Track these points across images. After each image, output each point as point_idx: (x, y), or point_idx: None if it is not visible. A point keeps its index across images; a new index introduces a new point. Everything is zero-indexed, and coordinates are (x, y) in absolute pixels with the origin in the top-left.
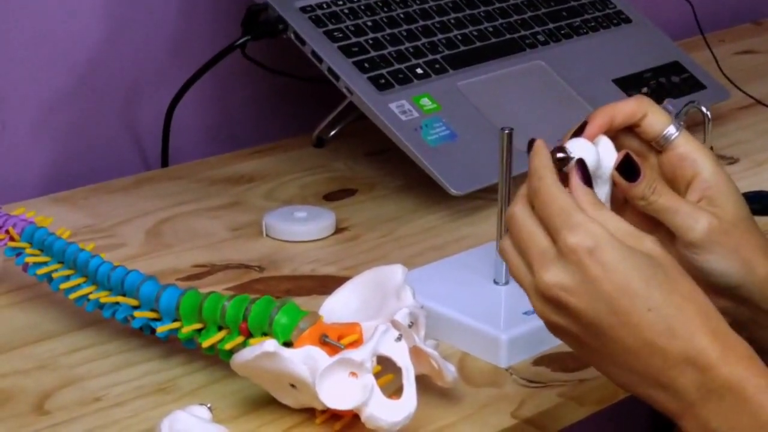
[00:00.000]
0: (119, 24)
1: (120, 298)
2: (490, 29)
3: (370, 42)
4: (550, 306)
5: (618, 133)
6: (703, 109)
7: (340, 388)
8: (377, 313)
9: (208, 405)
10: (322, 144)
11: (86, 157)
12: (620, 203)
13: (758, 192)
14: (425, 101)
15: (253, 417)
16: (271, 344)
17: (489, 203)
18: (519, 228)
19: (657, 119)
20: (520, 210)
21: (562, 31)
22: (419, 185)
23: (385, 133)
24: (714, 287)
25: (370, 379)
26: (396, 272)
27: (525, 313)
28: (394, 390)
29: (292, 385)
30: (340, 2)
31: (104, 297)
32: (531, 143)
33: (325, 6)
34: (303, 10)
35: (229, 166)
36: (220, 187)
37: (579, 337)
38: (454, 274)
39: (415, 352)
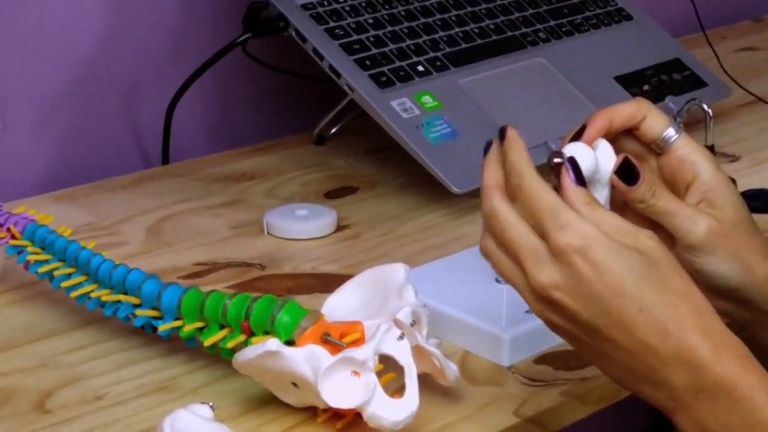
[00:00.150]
0: (120, 22)
1: (121, 297)
2: (492, 26)
3: (372, 39)
4: (546, 305)
5: (617, 136)
6: (705, 106)
7: (343, 386)
8: (379, 311)
9: (210, 404)
10: (323, 142)
11: (87, 155)
12: (620, 206)
13: (759, 190)
14: (426, 99)
15: (255, 416)
16: (273, 343)
17: None
18: (503, 226)
19: (656, 122)
20: (500, 206)
21: (564, 29)
22: (420, 183)
23: (386, 130)
24: (714, 289)
25: (373, 377)
26: (398, 271)
27: (527, 311)
28: (395, 389)
29: (294, 384)
30: None
31: (105, 295)
32: (502, 131)
33: (326, 3)
34: (304, 7)
35: (230, 164)
36: (221, 185)
37: (575, 335)
38: (455, 272)
39: (417, 351)
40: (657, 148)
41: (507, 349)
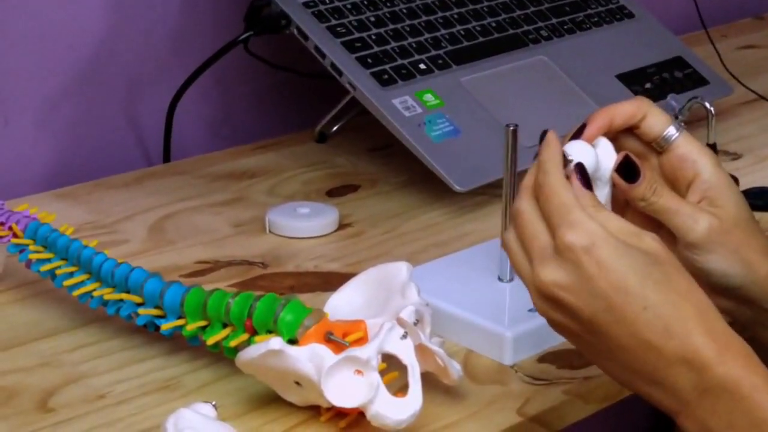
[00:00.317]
0: (121, 20)
1: (124, 295)
2: (493, 24)
3: (373, 37)
4: (549, 303)
5: (618, 135)
6: (707, 104)
7: (346, 385)
8: (382, 310)
9: (213, 402)
10: (325, 140)
11: (88, 153)
12: (621, 205)
13: (761, 188)
14: (428, 97)
15: (258, 414)
16: (276, 342)
17: (493, 199)
18: (524, 224)
19: (657, 120)
20: (526, 205)
21: (565, 27)
22: (422, 181)
23: (388, 128)
24: (715, 288)
25: (376, 376)
26: (401, 269)
27: (530, 310)
28: (398, 388)
29: (297, 383)
30: None
31: (108, 294)
32: (544, 134)
33: (327, 1)
34: (306, 5)
35: (232, 162)
36: (223, 182)
37: (578, 334)
38: (458, 271)
39: (421, 350)
40: (658, 147)
41: (510, 348)
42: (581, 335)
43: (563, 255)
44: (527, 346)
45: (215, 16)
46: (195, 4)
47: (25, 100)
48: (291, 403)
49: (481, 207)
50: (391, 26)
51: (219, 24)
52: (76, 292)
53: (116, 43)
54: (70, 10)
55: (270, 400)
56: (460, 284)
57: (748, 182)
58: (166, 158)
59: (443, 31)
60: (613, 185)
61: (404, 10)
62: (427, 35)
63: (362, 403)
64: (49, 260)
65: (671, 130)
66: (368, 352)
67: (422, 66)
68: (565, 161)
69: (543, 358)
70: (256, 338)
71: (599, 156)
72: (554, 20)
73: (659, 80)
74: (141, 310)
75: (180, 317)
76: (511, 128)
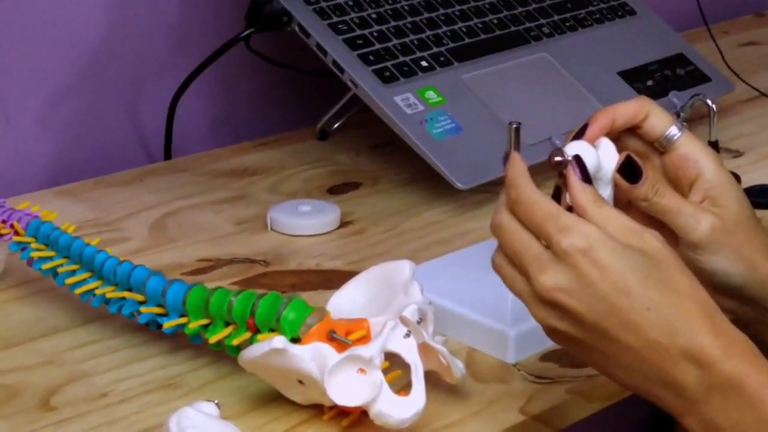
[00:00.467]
0: (122, 17)
1: (126, 294)
2: (495, 21)
3: (375, 34)
4: (550, 310)
5: (620, 135)
6: (709, 101)
7: (349, 384)
8: (385, 309)
9: (216, 401)
10: (326, 137)
11: (90, 150)
12: (623, 205)
13: (763, 186)
14: (430, 94)
15: (261, 413)
16: (279, 341)
17: (494, 197)
18: (509, 237)
19: (659, 120)
20: (505, 219)
21: (567, 24)
22: (424, 179)
23: (389, 126)
24: (718, 287)
25: (379, 375)
26: (404, 268)
27: None
28: (402, 386)
29: (300, 382)
30: None
31: (110, 292)
32: (505, 157)
33: None
34: (307, 2)
35: (233, 159)
36: (224, 180)
37: (580, 340)
38: (460, 269)
39: (424, 349)
40: (660, 147)
41: (512, 346)
42: (583, 341)
43: (562, 260)
44: (530, 345)
45: (216, 14)
46: (196, 2)
47: (27, 98)
48: (294, 401)
49: (483, 205)
50: (393, 23)
51: (220, 21)
52: (78, 291)
53: (118, 40)
54: (71, 8)
55: (272, 399)
56: (463, 282)
57: (749, 180)
58: (168, 156)
59: (445, 28)
60: (615, 186)
61: (406, 7)
62: (428, 32)
63: (365, 402)
64: (50, 258)
65: (673, 130)
66: (371, 350)
67: (424, 63)
68: (565, 161)
69: (546, 357)
70: (259, 337)
71: (601, 156)
72: (556, 17)
73: (661, 77)
74: (143, 309)
75: (182, 315)
76: (514, 126)
